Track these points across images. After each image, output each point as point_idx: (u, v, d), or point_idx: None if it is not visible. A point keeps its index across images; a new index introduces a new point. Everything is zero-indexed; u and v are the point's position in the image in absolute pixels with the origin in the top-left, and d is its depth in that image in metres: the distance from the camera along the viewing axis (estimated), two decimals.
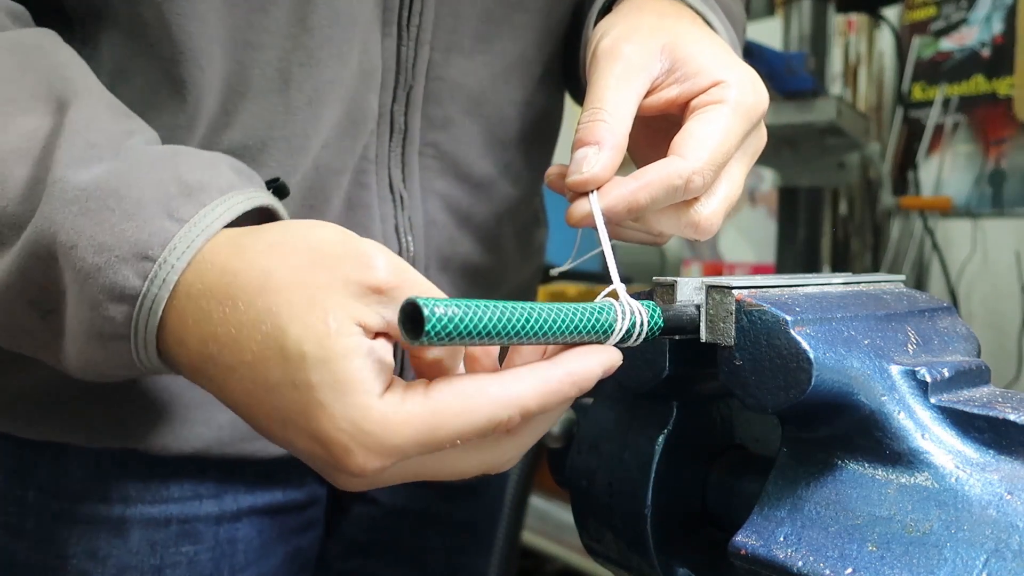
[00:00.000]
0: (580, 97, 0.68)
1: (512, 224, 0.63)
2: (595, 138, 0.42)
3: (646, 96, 0.45)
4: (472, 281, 0.61)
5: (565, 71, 0.66)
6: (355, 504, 0.67)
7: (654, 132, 0.47)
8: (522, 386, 0.33)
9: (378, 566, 0.68)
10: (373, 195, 0.55)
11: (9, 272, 0.37)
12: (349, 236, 0.35)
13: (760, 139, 0.47)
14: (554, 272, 0.54)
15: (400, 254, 0.56)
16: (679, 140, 0.42)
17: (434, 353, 0.35)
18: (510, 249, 0.64)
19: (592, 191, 0.41)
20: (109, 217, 0.35)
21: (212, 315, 0.34)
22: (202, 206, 0.37)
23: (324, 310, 0.32)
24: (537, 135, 0.63)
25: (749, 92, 0.44)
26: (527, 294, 0.70)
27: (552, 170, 0.46)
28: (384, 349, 0.33)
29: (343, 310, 0.33)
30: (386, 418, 0.32)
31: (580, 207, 0.41)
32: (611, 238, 0.41)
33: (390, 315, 0.33)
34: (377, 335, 0.33)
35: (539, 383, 0.34)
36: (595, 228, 0.40)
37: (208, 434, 0.53)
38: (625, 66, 0.44)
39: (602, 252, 0.41)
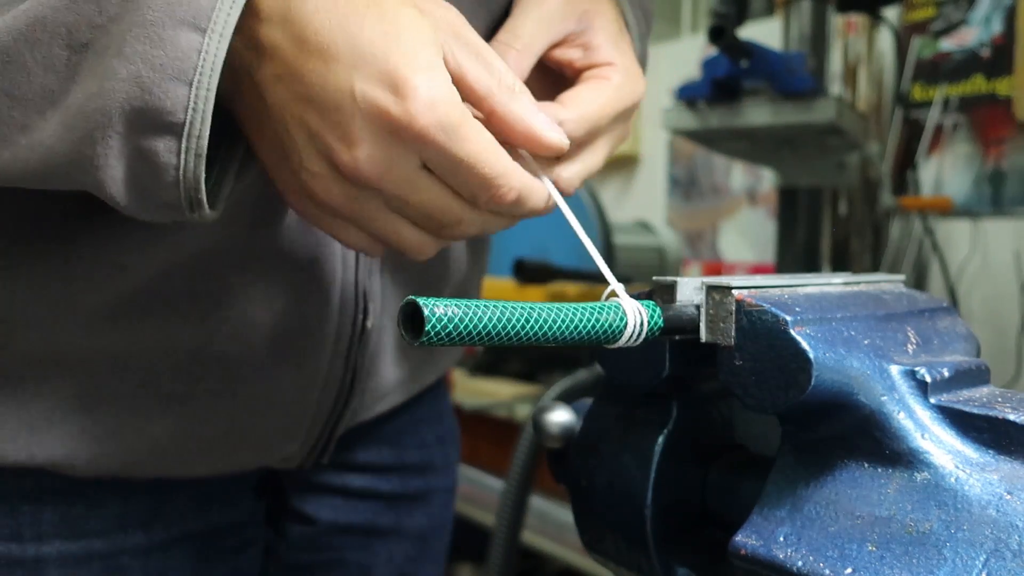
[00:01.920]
0: None
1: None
2: None
3: (553, 47, 0.50)
4: (421, 280, 0.61)
5: None
6: (294, 526, 0.65)
7: (533, 80, 0.51)
8: (527, 178, 0.40)
9: None
10: None
11: None
12: None
13: (625, 132, 0.51)
14: None
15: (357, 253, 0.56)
16: (566, 96, 0.47)
17: None
18: (458, 247, 0.65)
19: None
20: None
21: None
22: None
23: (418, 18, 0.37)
24: None
25: (632, 81, 0.50)
26: (468, 288, 0.70)
27: None
28: None
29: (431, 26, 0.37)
30: (461, 101, 0.37)
31: None
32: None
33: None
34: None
35: (531, 183, 0.41)
36: None
37: (140, 446, 0.49)
38: (550, 12, 0.49)
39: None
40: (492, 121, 0.40)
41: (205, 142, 0.35)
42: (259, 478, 0.61)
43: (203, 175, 0.36)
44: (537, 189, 0.41)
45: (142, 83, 0.34)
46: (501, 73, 0.40)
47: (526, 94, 0.41)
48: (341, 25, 0.35)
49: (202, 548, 0.55)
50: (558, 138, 0.42)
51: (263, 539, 0.63)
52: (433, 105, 0.35)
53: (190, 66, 0.34)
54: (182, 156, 0.35)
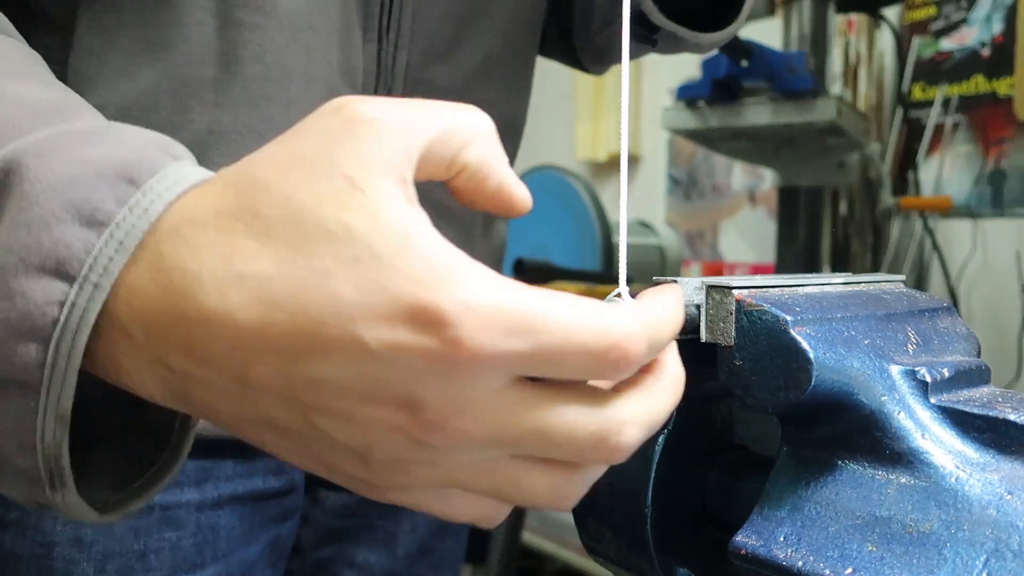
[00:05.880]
0: (582, 57, 0.74)
1: (482, 216, 0.67)
2: None
3: None
4: None
5: (556, 37, 0.72)
6: (330, 493, 0.69)
7: None
8: (650, 311, 0.28)
9: (352, 551, 0.70)
10: None
11: None
12: (323, 108, 0.28)
13: None
14: None
15: None
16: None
17: None
18: (479, 240, 0.68)
19: None
20: (91, 139, 0.28)
21: (235, 232, 0.26)
22: (187, 153, 0.30)
23: (343, 173, 0.26)
24: (504, 131, 0.66)
25: None
26: None
27: None
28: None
29: (359, 163, 0.26)
30: (484, 276, 0.25)
31: None
32: None
33: (411, 141, 0.27)
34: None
35: (654, 309, 0.29)
36: None
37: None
38: None
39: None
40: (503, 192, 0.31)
41: (68, 404, 0.27)
42: None
43: (66, 441, 0.28)
44: (666, 307, 0.30)
45: None
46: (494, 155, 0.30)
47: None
48: (303, 275, 0.25)
49: (249, 512, 0.60)
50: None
51: (301, 509, 0.67)
52: (487, 321, 0.24)
53: (48, 321, 0.26)
54: (40, 416, 0.27)
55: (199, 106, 0.50)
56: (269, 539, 0.63)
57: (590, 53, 0.73)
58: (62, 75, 0.48)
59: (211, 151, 0.50)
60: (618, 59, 0.75)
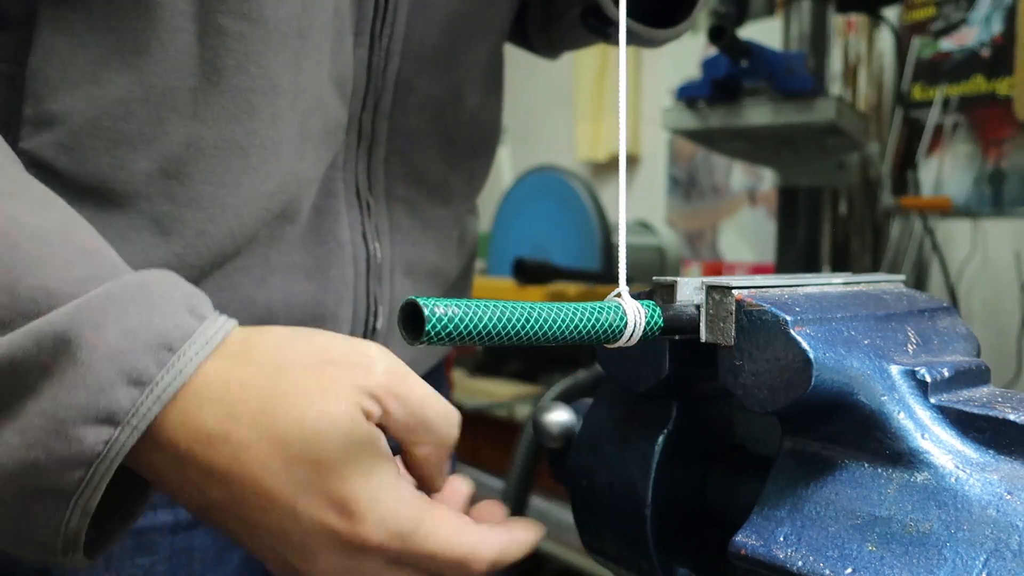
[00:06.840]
0: (544, 43, 0.74)
1: (458, 221, 0.67)
2: None
3: None
4: (432, 283, 0.63)
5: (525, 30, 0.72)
6: None
7: None
8: (497, 539, 0.38)
9: None
10: (341, 202, 0.55)
11: None
12: (352, 342, 0.38)
13: None
14: None
15: (368, 261, 0.57)
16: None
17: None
18: (454, 249, 0.67)
19: None
20: (131, 306, 0.36)
21: (232, 396, 0.36)
22: (212, 311, 0.38)
23: (338, 398, 0.36)
24: (485, 135, 0.67)
25: None
26: (463, 287, 0.72)
27: None
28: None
29: (354, 402, 0.36)
30: (410, 497, 0.36)
31: None
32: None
33: (386, 414, 0.37)
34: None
35: (506, 541, 0.39)
36: None
37: None
38: None
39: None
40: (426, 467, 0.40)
41: (94, 504, 0.35)
42: None
43: (85, 527, 0.36)
44: (517, 541, 0.41)
45: (39, 466, 0.34)
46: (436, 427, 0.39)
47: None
48: (272, 448, 0.35)
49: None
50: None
51: None
52: (383, 521, 0.35)
53: (93, 455, 0.34)
54: (68, 512, 0.35)
55: (176, 118, 0.46)
56: (243, 555, 0.60)
57: (542, 43, 0.74)
58: (18, 76, 0.45)
59: (189, 167, 0.47)
60: (568, 48, 0.75)
